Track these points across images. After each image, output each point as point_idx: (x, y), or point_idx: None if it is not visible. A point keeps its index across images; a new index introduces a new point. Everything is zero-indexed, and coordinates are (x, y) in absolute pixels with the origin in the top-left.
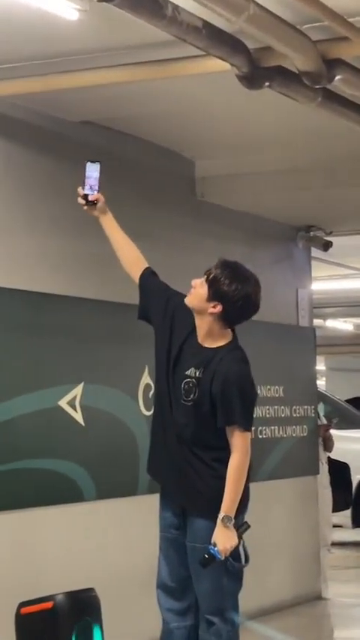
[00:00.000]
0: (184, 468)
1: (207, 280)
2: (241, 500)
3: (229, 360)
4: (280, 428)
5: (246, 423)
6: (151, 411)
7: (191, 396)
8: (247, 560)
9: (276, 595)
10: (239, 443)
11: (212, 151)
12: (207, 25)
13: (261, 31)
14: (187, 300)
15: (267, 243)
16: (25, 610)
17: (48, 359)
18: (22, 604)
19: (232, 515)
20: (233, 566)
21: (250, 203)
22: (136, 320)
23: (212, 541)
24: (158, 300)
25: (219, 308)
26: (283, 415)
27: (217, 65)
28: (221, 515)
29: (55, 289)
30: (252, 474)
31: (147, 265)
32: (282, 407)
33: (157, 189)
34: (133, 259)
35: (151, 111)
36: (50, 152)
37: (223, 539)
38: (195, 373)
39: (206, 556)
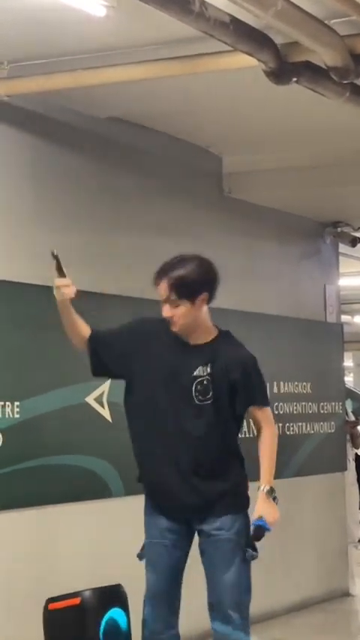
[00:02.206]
0: (201, 476)
1: (175, 298)
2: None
3: (235, 346)
4: (308, 424)
5: (267, 399)
6: None
7: (209, 393)
8: (257, 551)
9: (304, 591)
10: (267, 418)
11: (239, 147)
12: (234, 20)
13: (289, 26)
14: (179, 329)
15: (294, 239)
16: (53, 606)
17: (75, 355)
18: (51, 600)
19: (273, 486)
20: (252, 556)
21: (277, 199)
22: (160, 315)
23: (258, 515)
24: (118, 341)
25: (204, 295)
26: (310, 412)
27: (244, 61)
28: (265, 487)
29: (82, 286)
30: (280, 471)
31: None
32: (309, 403)
33: (184, 185)
34: (83, 333)
35: (179, 107)
36: (77, 148)
37: (270, 510)
38: (204, 371)
39: (257, 529)
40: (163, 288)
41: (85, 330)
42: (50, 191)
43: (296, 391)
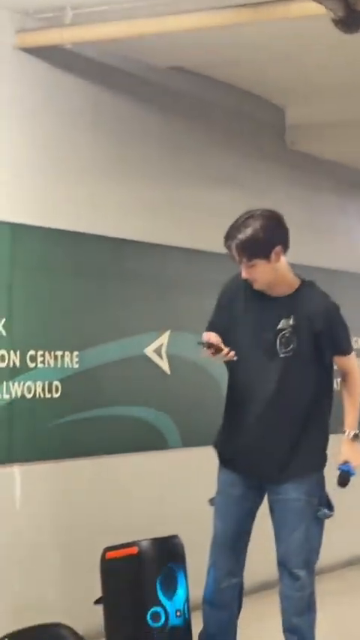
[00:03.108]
0: (283, 432)
1: (248, 260)
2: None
3: (318, 296)
4: None
5: (351, 347)
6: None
7: (291, 345)
8: (333, 509)
9: (359, 546)
10: (353, 365)
11: (303, 98)
12: None
13: None
14: (261, 287)
15: (356, 194)
16: (110, 555)
17: (135, 307)
18: (108, 549)
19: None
20: (324, 514)
21: (339, 152)
22: (220, 269)
23: (342, 460)
24: (220, 325)
25: (278, 249)
26: None
27: (312, 9)
28: (350, 432)
29: (143, 237)
30: (334, 427)
31: None
32: None
33: (247, 136)
34: None
35: (241, 57)
36: (139, 98)
37: (356, 454)
38: (287, 323)
39: (343, 475)
40: (235, 252)
41: None
42: (111, 141)
43: (356, 346)
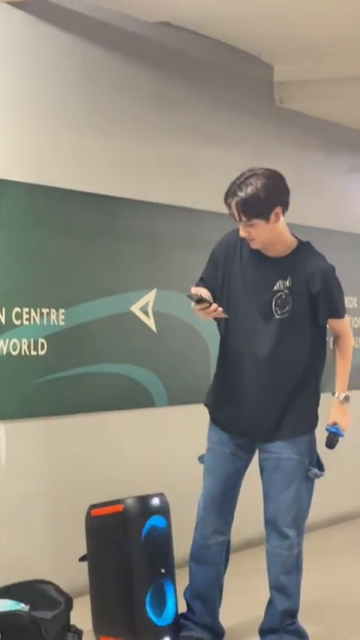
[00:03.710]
0: (276, 393)
1: (248, 219)
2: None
3: (316, 257)
4: (354, 339)
5: (345, 310)
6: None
7: (287, 307)
8: (324, 470)
9: (343, 506)
10: (346, 328)
11: (291, 54)
12: None
13: None
14: (258, 247)
15: (345, 152)
16: (95, 512)
17: (121, 264)
18: (93, 506)
19: (348, 394)
20: (315, 474)
21: (328, 110)
22: (209, 227)
23: (331, 422)
24: (214, 283)
25: (278, 210)
26: (356, 326)
27: None
28: (340, 395)
29: (130, 194)
30: (322, 386)
31: None
32: (355, 318)
33: (235, 93)
34: None
35: (229, 12)
36: (127, 53)
37: (345, 417)
38: (284, 285)
39: (331, 436)
40: (235, 210)
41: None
42: (99, 97)
43: (348, 306)
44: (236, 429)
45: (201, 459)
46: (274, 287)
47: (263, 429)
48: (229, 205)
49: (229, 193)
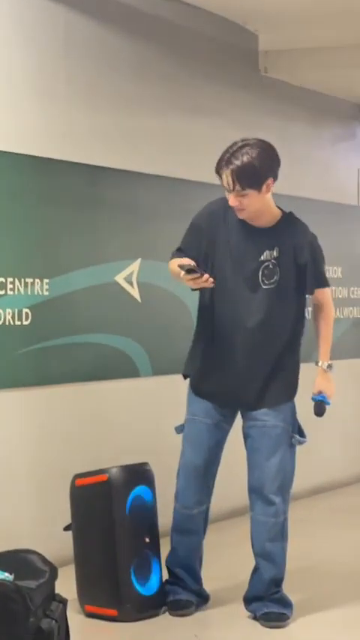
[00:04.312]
0: (260, 363)
1: (241, 188)
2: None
3: (301, 228)
4: (337, 309)
5: (327, 280)
6: None
7: (274, 277)
8: (305, 437)
9: (327, 475)
10: (328, 297)
11: (276, 23)
12: None
13: None
14: (246, 217)
15: (329, 122)
16: (80, 482)
17: (106, 234)
18: (77, 476)
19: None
20: (298, 441)
21: (314, 79)
22: (193, 197)
23: (317, 390)
24: (198, 252)
25: (270, 181)
26: (340, 296)
27: None
28: (324, 363)
29: (114, 164)
30: (307, 354)
31: None
32: (339, 288)
33: (219, 63)
34: None
35: None
36: (111, 22)
37: (330, 384)
38: (271, 255)
39: (318, 404)
40: (229, 179)
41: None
42: (84, 67)
43: (327, 275)
44: (223, 398)
45: (179, 429)
46: (260, 257)
47: (250, 397)
48: (221, 174)
49: (223, 162)
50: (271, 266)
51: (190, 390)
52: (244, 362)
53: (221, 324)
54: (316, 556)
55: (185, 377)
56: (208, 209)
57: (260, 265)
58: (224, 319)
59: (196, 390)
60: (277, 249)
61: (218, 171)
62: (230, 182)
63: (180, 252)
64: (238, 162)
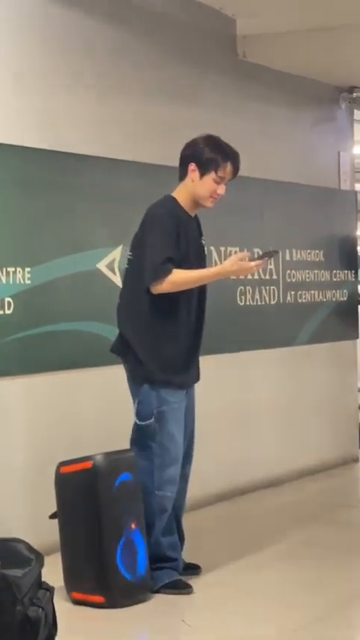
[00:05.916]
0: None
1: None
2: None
3: None
4: (320, 292)
5: None
6: None
7: (206, 259)
8: None
9: (313, 457)
10: None
11: (254, 7)
12: None
13: None
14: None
15: (309, 105)
16: (65, 469)
17: (87, 222)
18: (62, 463)
19: None
20: None
21: (292, 63)
22: (173, 182)
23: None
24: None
25: (193, 167)
26: (322, 279)
27: None
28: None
29: (93, 151)
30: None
31: None
32: (322, 271)
33: (196, 48)
34: None
35: None
36: (88, 8)
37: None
38: (203, 240)
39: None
40: (231, 170)
41: None
42: (62, 53)
43: (309, 259)
44: (191, 381)
45: (151, 425)
46: (201, 241)
47: (196, 371)
48: (224, 165)
49: (231, 154)
50: (206, 251)
51: (160, 386)
52: (196, 340)
53: (188, 314)
54: (307, 538)
55: (152, 380)
56: (168, 211)
57: (204, 250)
58: (190, 310)
59: (170, 383)
60: (201, 234)
61: (225, 160)
62: (231, 173)
63: (171, 261)
64: (238, 157)
